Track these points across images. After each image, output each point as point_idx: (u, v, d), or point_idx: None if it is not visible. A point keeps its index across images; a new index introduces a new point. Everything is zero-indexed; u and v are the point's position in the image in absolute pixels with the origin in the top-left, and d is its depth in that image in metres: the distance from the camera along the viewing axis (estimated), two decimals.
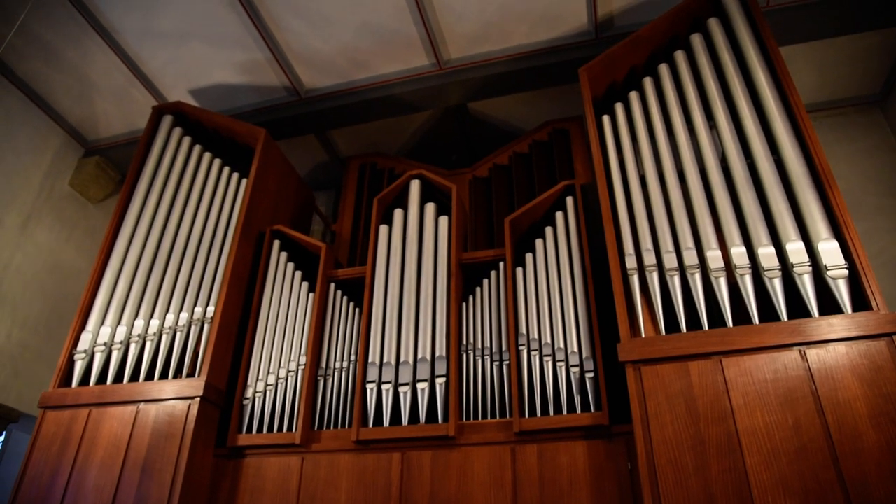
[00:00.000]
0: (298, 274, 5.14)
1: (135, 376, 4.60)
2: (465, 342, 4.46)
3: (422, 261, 4.84)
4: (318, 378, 4.62)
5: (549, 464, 3.82)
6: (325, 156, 7.07)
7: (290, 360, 4.68)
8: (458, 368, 4.31)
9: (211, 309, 4.76)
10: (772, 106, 4.15)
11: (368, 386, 4.33)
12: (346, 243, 6.00)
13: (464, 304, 4.66)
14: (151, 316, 4.82)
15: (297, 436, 4.29)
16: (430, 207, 5.10)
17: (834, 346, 3.32)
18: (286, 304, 4.98)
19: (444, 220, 5.00)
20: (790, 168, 3.89)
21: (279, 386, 4.57)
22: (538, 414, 3.95)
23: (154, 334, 4.69)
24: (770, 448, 3.16)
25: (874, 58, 5.78)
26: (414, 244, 4.92)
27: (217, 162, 5.66)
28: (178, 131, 5.76)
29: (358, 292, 5.02)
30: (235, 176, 5.58)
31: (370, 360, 4.42)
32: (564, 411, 3.90)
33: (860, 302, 3.42)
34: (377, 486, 4.06)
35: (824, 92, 6.09)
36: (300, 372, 4.59)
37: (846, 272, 3.46)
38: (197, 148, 5.72)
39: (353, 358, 4.65)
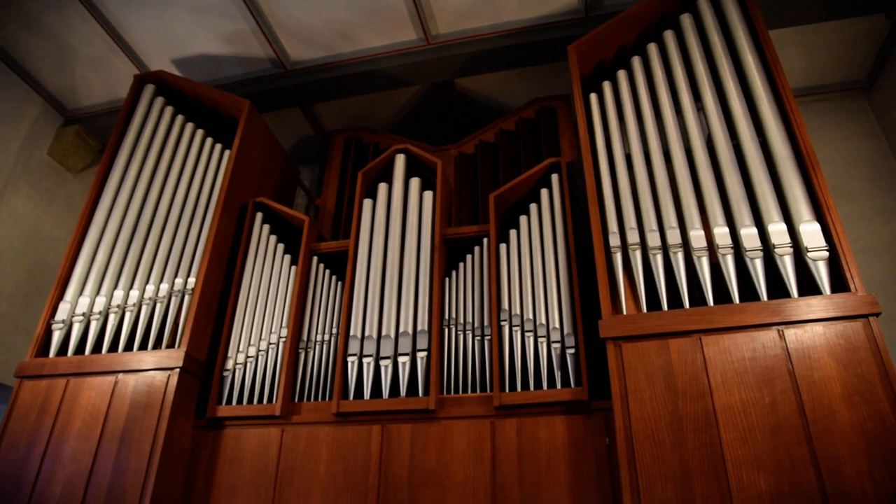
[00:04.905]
0: (281, 247, 5.10)
1: (113, 347, 4.56)
2: (447, 317, 4.46)
3: (405, 235, 4.82)
4: (299, 350, 4.60)
5: (528, 438, 3.84)
6: (310, 129, 7.00)
7: (271, 332, 4.66)
8: (440, 343, 4.32)
9: (192, 280, 4.72)
10: (759, 88, 4.14)
11: (349, 359, 4.33)
12: (330, 217, 5.96)
13: (446, 280, 4.66)
14: (131, 286, 4.77)
15: (277, 407, 4.28)
16: (415, 182, 5.07)
17: (812, 326, 3.36)
18: (268, 276, 4.95)
19: (428, 195, 4.97)
20: (775, 150, 3.90)
21: (260, 358, 4.55)
22: (518, 389, 3.97)
23: (133, 305, 4.64)
24: (746, 425, 3.20)
25: (861, 44, 5.79)
26: (398, 218, 4.90)
27: (200, 132, 5.58)
28: (160, 101, 5.66)
29: (341, 266, 5.00)
30: (218, 147, 5.51)
31: (352, 333, 4.41)
32: (545, 386, 3.93)
33: (839, 284, 3.46)
34: (357, 459, 4.06)
35: (811, 77, 6.10)
36: (281, 344, 4.58)
37: (826, 254, 3.48)
38: (179, 118, 5.63)
39: (334, 331, 4.64)
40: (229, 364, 4.57)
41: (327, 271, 4.99)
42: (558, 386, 3.90)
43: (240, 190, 5.27)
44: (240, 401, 4.46)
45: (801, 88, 6.12)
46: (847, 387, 3.18)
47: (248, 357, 4.58)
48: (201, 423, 4.42)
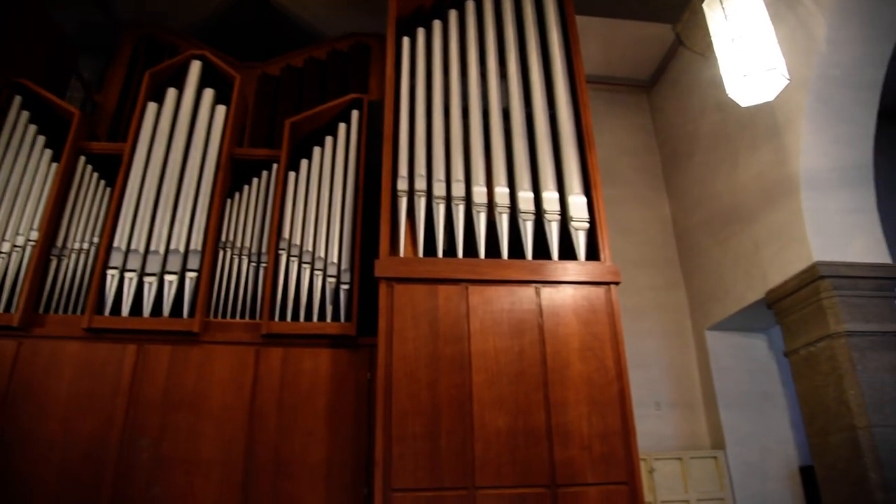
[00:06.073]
0: (42, 139, 4.51)
1: None
2: (223, 239, 4.29)
3: (190, 147, 4.50)
4: (51, 257, 4.14)
5: (292, 368, 3.87)
6: (99, 14, 6.16)
7: (17, 234, 4.14)
8: (213, 265, 4.15)
9: None
10: (558, 66, 4.46)
11: (109, 272, 3.99)
12: (109, 117, 5.34)
13: (228, 201, 4.47)
14: None
15: (14, 317, 3.83)
16: (209, 93, 4.73)
17: (564, 287, 3.76)
18: (21, 170, 4.36)
19: (221, 109, 4.68)
20: (561, 126, 4.24)
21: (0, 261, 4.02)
22: (288, 319, 3.96)
23: None
24: (495, 370, 3.51)
25: (650, 48, 6.41)
26: (184, 128, 4.55)
27: None
28: None
29: (113, 171, 4.52)
30: None
31: (115, 244, 4.06)
32: (315, 319, 3.97)
33: (593, 253, 3.90)
34: (106, 378, 3.80)
35: (605, 67, 6.63)
36: (29, 248, 4.08)
37: (587, 226, 3.91)
38: None
39: (95, 240, 4.23)
40: None
41: (95, 174, 4.52)
42: (328, 320, 3.96)
43: None
44: None
45: (594, 75, 6.61)
46: (583, 343, 3.61)
47: None
48: None
